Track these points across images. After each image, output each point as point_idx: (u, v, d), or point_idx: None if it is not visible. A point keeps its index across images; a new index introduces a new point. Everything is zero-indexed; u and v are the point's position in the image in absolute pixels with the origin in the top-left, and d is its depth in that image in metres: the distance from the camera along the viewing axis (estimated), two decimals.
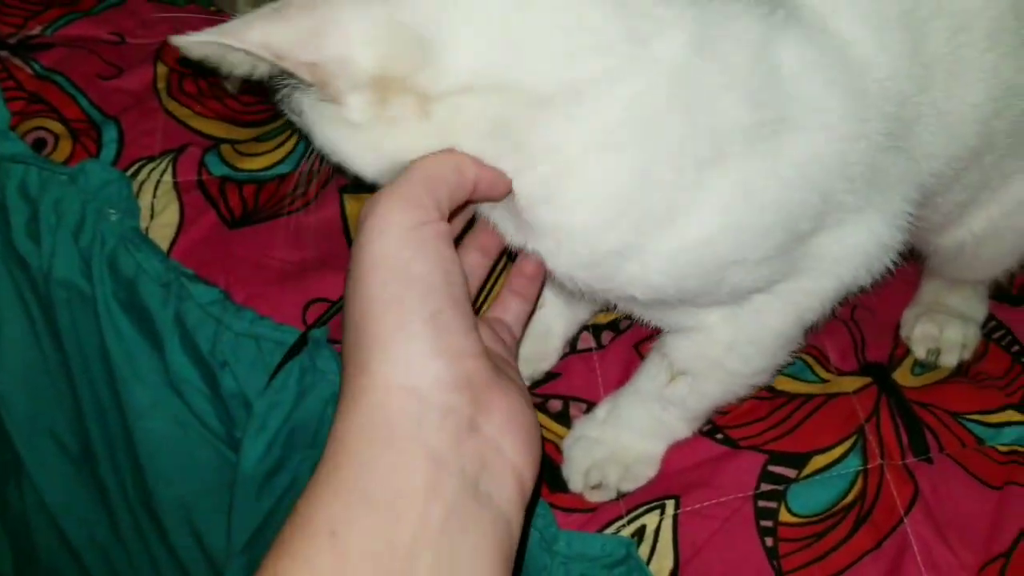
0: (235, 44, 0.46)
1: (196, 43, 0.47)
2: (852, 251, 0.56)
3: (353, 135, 0.50)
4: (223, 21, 0.94)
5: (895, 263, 0.60)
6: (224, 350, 0.77)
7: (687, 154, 0.49)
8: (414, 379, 0.46)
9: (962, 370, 0.78)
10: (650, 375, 0.67)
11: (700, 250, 0.52)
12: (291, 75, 0.48)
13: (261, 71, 0.49)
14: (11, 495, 1.04)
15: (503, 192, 0.51)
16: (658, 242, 0.51)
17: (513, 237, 0.56)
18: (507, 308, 0.64)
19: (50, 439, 0.97)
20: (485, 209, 0.56)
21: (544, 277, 0.64)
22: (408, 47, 0.47)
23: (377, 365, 0.46)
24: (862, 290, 0.61)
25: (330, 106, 0.49)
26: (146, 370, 0.82)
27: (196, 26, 0.95)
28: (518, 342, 0.64)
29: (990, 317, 0.82)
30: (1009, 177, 0.67)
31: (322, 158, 0.54)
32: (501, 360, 0.54)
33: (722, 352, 0.62)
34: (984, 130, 0.60)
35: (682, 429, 0.68)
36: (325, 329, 0.75)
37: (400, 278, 0.47)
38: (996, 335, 0.81)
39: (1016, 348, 0.79)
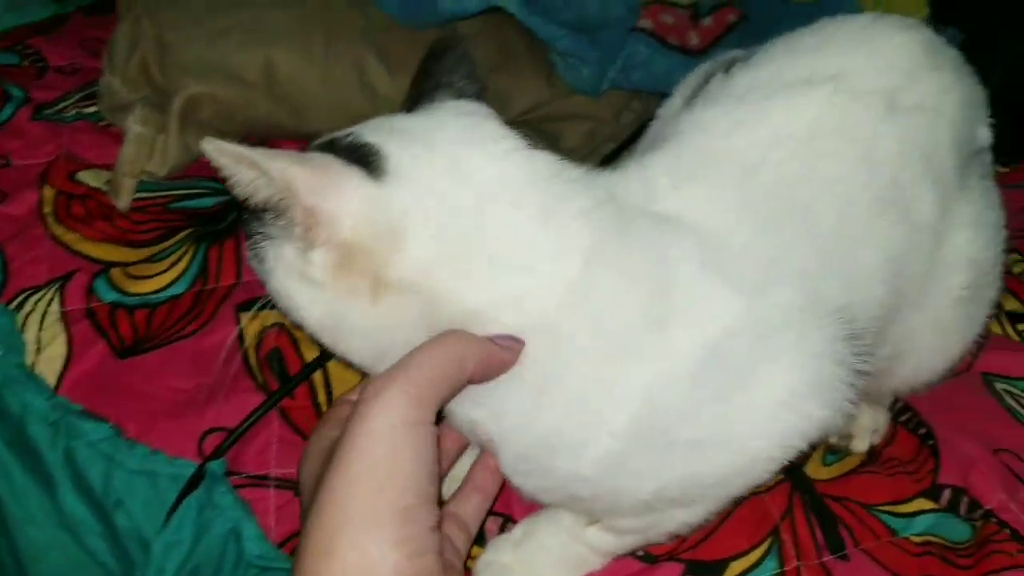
0: (261, 164, 0.51)
1: (222, 151, 0.51)
2: (776, 408, 0.57)
3: (306, 289, 0.55)
4: (113, 134, 0.94)
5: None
6: (117, 488, 0.74)
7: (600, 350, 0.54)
8: (375, 569, 0.49)
9: (872, 456, 0.78)
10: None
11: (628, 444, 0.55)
12: (279, 213, 0.53)
13: (259, 198, 0.53)
14: None
15: (495, 376, 0.54)
16: (588, 435, 0.55)
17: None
18: (468, 502, 0.65)
19: None
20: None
21: None
22: (381, 232, 0.53)
23: (344, 551, 0.49)
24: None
25: (292, 258, 0.55)
26: (38, 511, 0.78)
27: (87, 142, 0.95)
28: (473, 539, 0.64)
29: (896, 399, 0.82)
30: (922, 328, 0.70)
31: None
32: (448, 564, 0.56)
33: (667, 526, 0.62)
34: (891, 289, 0.64)
35: (597, 563, 0.67)
36: (223, 461, 0.72)
37: (386, 468, 0.49)
38: (903, 418, 0.82)
39: (923, 430, 0.80)
